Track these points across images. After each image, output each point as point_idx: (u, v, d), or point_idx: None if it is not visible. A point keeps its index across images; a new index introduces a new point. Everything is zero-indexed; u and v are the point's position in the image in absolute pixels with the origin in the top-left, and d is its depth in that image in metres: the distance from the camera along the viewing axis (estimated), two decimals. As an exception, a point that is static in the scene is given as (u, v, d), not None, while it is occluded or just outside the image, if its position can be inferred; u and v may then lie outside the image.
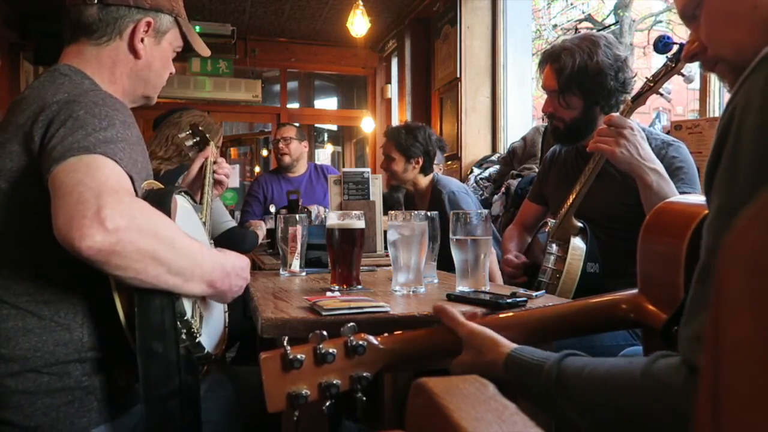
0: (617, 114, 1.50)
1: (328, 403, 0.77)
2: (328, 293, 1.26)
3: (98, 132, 0.93)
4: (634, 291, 0.89)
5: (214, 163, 1.63)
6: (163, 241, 0.88)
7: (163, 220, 0.91)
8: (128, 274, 0.85)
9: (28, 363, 0.93)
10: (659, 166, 1.41)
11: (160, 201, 0.96)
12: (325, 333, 0.78)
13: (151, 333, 0.90)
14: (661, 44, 1.43)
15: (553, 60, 1.68)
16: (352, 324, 0.81)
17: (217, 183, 1.64)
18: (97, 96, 1.02)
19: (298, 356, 0.75)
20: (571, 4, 11.59)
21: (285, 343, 0.76)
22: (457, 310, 0.90)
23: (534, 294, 1.21)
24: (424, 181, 2.70)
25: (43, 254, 0.96)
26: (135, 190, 0.94)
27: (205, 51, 1.35)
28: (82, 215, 0.81)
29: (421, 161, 2.64)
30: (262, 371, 0.75)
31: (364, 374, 0.80)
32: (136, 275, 0.86)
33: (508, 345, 0.81)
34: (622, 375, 0.64)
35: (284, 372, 0.75)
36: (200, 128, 1.72)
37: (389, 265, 1.38)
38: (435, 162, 2.99)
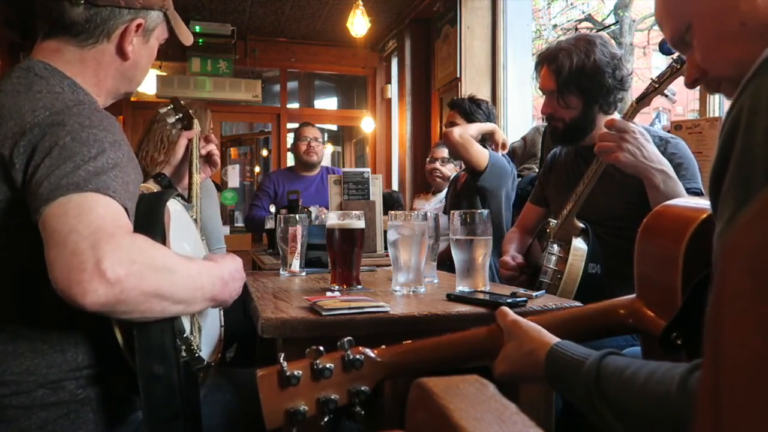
0: (618, 118, 1.49)
1: (326, 419, 0.77)
2: (328, 293, 1.26)
3: (87, 163, 0.87)
4: (632, 296, 0.88)
5: (205, 139, 1.58)
6: (165, 278, 0.85)
7: (161, 253, 0.88)
8: (134, 316, 0.85)
9: (20, 386, 0.90)
10: (666, 166, 1.41)
11: (152, 215, 0.94)
12: (321, 348, 0.78)
13: (152, 356, 0.89)
14: (666, 46, 1.42)
15: (549, 61, 1.68)
16: (349, 338, 0.80)
17: (209, 164, 1.60)
18: (82, 114, 0.93)
19: (295, 373, 0.75)
20: (571, 4, 11.58)
21: (281, 360, 0.76)
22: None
23: (534, 294, 1.21)
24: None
25: (31, 282, 0.92)
26: (130, 217, 0.90)
27: (188, 39, 1.26)
28: (81, 269, 0.78)
29: None
30: (259, 389, 0.75)
31: (362, 388, 0.79)
32: (141, 315, 0.85)
33: (551, 337, 0.81)
34: (659, 384, 0.62)
35: (281, 389, 0.75)
36: (182, 102, 1.63)
37: (389, 265, 1.38)
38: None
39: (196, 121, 1.61)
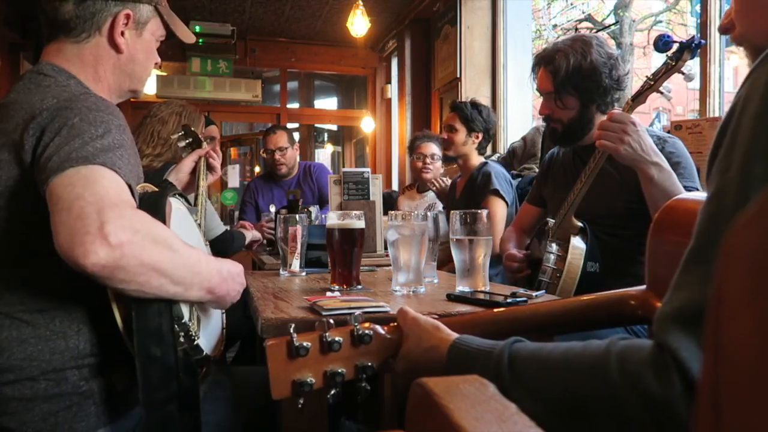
0: (619, 110, 1.50)
1: (332, 392, 0.78)
2: (328, 293, 1.26)
3: (95, 140, 0.91)
4: (642, 287, 0.89)
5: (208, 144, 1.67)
6: (165, 253, 0.87)
7: (163, 230, 0.90)
8: (131, 287, 0.85)
9: (23, 372, 0.92)
10: (661, 160, 1.42)
11: (155, 205, 0.96)
12: (332, 321, 0.79)
13: (149, 337, 0.89)
14: (662, 43, 1.43)
15: (546, 62, 1.69)
16: (359, 312, 0.81)
17: (210, 168, 1.67)
18: (89, 100, 0.99)
19: (304, 344, 0.75)
20: (571, 4, 11.59)
21: (291, 331, 0.76)
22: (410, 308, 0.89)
23: (534, 294, 1.21)
24: (475, 160, 2.76)
25: (37, 263, 0.95)
26: (134, 197, 0.92)
27: (189, 38, 1.29)
28: (85, 231, 0.80)
29: (480, 137, 2.75)
30: (267, 358, 0.75)
31: (369, 364, 0.80)
32: (139, 287, 0.85)
33: (450, 332, 0.81)
34: (584, 353, 0.62)
35: (290, 359, 0.75)
36: (192, 129, 1.75)
37: (389, 265, 1.38)
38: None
39: (204, 143, 1.73)
